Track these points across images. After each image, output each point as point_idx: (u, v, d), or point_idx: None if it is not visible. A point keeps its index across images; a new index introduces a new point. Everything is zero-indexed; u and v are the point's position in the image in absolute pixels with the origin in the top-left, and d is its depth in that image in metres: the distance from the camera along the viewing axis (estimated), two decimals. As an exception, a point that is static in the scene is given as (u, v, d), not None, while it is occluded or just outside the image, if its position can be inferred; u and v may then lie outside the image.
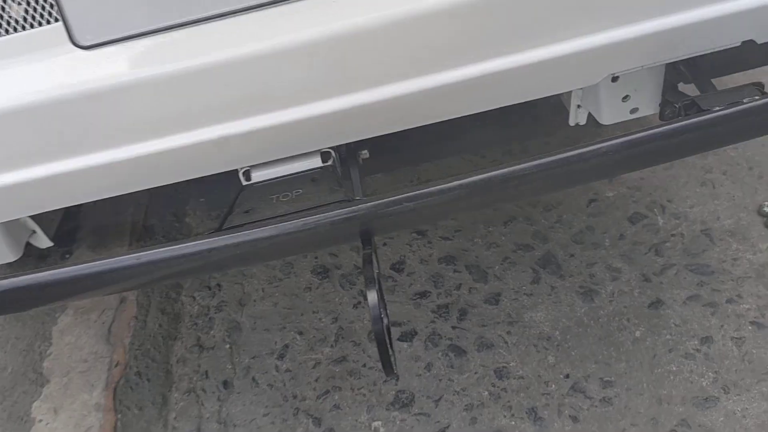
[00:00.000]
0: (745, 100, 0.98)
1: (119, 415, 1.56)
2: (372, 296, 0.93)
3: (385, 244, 1.87)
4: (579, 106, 1.13)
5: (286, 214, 0.98)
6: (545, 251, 1.81)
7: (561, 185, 1.01)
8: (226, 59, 0.92)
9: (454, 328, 1.66)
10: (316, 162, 1.07)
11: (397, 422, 1.49)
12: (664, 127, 0.96)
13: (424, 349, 1.62)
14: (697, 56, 1.08)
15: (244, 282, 1.88)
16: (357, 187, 1.15)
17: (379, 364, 1.60)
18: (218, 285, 1.89)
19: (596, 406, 1.46)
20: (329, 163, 1.07)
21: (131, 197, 2.20)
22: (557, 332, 1.61)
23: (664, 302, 1.63)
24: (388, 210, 0.95)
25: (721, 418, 1.39)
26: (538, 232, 1.86)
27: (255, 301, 1.82)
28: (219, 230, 1.00)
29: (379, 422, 1.49)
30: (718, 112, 0.96)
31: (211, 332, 1.76)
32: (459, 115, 1.03)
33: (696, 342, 1.54)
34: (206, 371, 1.67)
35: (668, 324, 1.59)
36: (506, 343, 1.61)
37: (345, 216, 0.95)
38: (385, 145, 1.29)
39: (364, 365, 1.61)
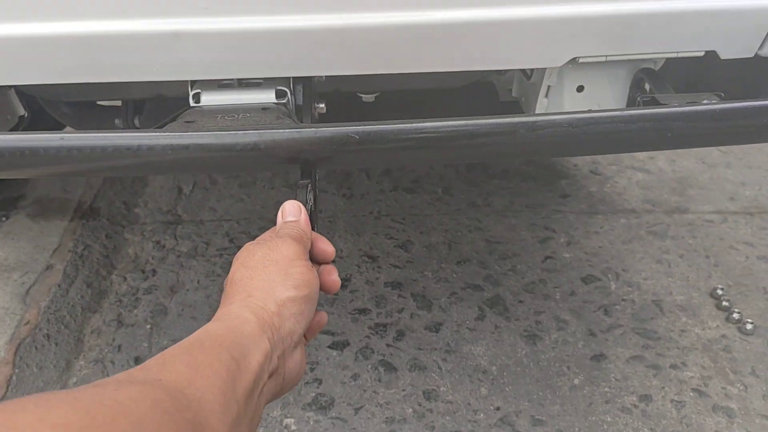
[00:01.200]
0: (703, 102, 0.99)
1: (16, 370, 1.44)
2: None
3: (333, 261, 1.81)
4: (550, 87, 1.13)
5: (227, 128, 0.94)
6: (494, 293, 1.76)
7: (514, 152, 0.99)
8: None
9: (388, 346, 1.58)
10: (269, 96, 1.05)
11: (311, 422, 1.37)
12: (622, 112, 0.96)
13: (354, 359, 1.53)
14: (660, 67, 1.10)
15: (180, 271, 1.79)
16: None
17: (306, 367, 1.51)
18: (153, 270, 1.80)
19: (523, 441, 1.36)
20: (283, 101, 1.04)
21: (84, 179, 2.15)
22: (494, 367, 1.54)
23: (606, 357, 1.58)
24: (332, 138, 0.91)
25: (652, 472, 1.31)
26: (490, 276, 1.83)
27: (188, 290, 1.73)
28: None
29: (292, 420, 1.38)
30: (674, 108, 0.97)
31: (135, 311, 1.65)
32: (422, 69, 1.02)
33: (635, 398, 1.47)
34: (119, 345, 1.55)
35: (608, 377, 1.52)
36: (440, 368, 1.53)
37: (286, 136, 0.91)
38: (342, 103, 1.28)
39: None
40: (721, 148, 2.58)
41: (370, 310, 1.68)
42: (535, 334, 1.64)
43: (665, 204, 2.21)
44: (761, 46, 1.02)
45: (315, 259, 0.83)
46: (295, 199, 0.87)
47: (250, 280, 0.70)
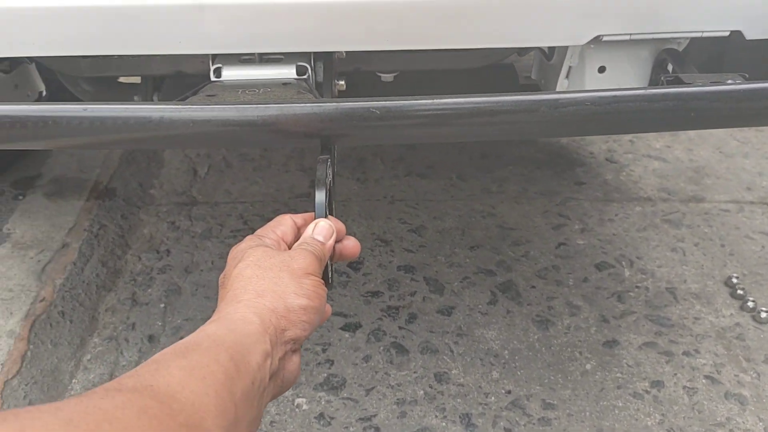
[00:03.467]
0: (728, 82, 0.98)
1: (31, 346, 1.45)
2: (320, 197, 0.87)
3: (347, 244, 1.82)
4: (571, 68, 1.12)
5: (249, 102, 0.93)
6: (507, 279, 1.76)
7: (537, 130, 0.98)
8: None
9: (400, 328, 1.58)
10: (290, 72, 1.04)
11: (323, 402, 1.38)
12: (645, 91, 0.95)
13: (365, 341, 1.54)
14: (683, 46, 1.09)
15: (194, 252, 1.81)
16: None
17: (317, 348, 1.52)
18: (167, 250, 1.81)
19: (533, 424, 1.36)
20: (304, 77, 1.04)
21: (100, 159, 2.17)
22: (506, 352, 1.54)
23: (619, 343, 1.57)
24: (353, 113, 0.90)
25: (663, 457, 1.31)
26: (503, 261, 1.82)
27: (202, 270, 1.74)
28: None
29: (304, 399, 1.39)
30: (699, 87, 0.95)
31: (149, 290, 1.67)
32: (444, 46, 1.01)
33: (646, 384, 1.47)
34: (134, 324, 1.56)
35: (621, 363, 1.52)
36: (452, 351, 1.53)
37: (307, 111, 0.90)
38: (362, 83, 1.27)
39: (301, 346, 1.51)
40: (739, 137, 2.55)
41: (382, 292, 1.69)
42: (547, 319, 1.63)
43: (681, 193, 2.20)
44: (789, 27, 1.01)
45: None
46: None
47: (260, 280, 0.70)
